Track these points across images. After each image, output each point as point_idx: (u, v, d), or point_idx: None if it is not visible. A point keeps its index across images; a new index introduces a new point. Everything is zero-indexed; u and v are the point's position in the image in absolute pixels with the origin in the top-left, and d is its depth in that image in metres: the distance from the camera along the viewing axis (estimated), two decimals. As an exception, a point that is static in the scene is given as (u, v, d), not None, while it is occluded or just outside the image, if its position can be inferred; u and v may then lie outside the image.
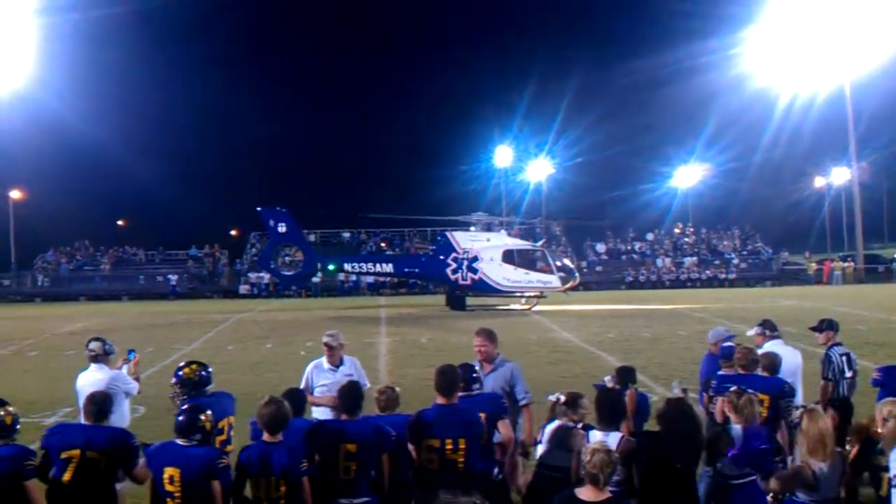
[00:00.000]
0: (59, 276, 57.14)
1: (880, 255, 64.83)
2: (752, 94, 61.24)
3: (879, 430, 5.80)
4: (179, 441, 5.70)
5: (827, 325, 9.10)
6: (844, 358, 8.81)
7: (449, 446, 5.97)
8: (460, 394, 6.69)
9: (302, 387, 7.80)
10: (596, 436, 6.07)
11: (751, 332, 9.36)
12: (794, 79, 56.62)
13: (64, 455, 5.91)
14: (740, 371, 7.77)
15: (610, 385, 7.36)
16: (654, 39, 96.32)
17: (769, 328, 9.14)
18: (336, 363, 8.09)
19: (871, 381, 8.39)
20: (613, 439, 6.03)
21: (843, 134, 58.88)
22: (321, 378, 8.03)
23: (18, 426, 6.04)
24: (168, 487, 5.54)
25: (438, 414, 6.12)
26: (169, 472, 5.55)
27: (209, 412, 5.85)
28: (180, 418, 5.79)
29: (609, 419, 6.21)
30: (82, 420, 6.42)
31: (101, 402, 6.25)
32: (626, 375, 7.75)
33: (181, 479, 5.53)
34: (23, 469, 5.73)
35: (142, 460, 5.92)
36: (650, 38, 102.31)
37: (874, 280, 54.95)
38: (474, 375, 6.85)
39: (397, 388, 6.78)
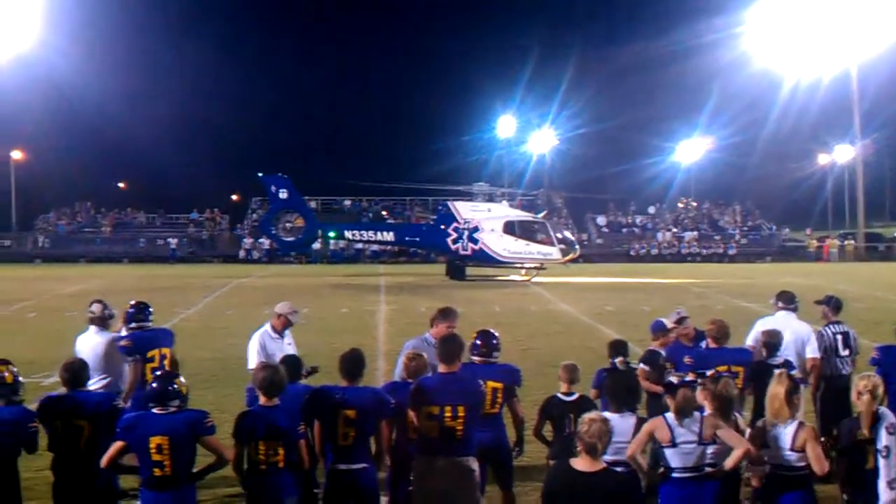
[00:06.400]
0: (60, 237, 57.07)
1: (881, 233, 64.69)
2: (756, 70, 60.79)
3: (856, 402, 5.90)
4: (156, 410, 5.60)
5: (826, 302, 9.03)
6: (840, 336, 8.77)
7: (448, 414, 6.00)
8: (478, 359, 6.77)
9: (261, 356, 7.85)
10: (613, 419, 6.08)
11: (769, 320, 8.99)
12: (799, 56, 56.07)
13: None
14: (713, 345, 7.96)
15: (622, 367, 7.41)
16: (660, 15, 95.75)
17: (785, 301, 8.98)
18: (281, 331, 8.31)
19: (869, 361, 8.36)
20: (628, 422, 6.06)
21: (847, 112, 58.54)
22: (271, 346, 8.19)
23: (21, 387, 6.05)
24: (156, 457, 5.49)
25: (439, 382, 6.15)
26: (156, 441, 5.48)
27: (182, 378, 5.82)
28: (153, 385, 5.72)
29: (624, 401, 6.26)
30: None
31: (78, 370, 6.28)
32: (618, 349, 7.80)
33: (170, 446, 5.50)
34: (26, 431, 5.78)
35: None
36: (656, 12, 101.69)
37: (875, 258, 54.90)
38: (494, 342, 6.88)
39: (425, 355, 6.82)
